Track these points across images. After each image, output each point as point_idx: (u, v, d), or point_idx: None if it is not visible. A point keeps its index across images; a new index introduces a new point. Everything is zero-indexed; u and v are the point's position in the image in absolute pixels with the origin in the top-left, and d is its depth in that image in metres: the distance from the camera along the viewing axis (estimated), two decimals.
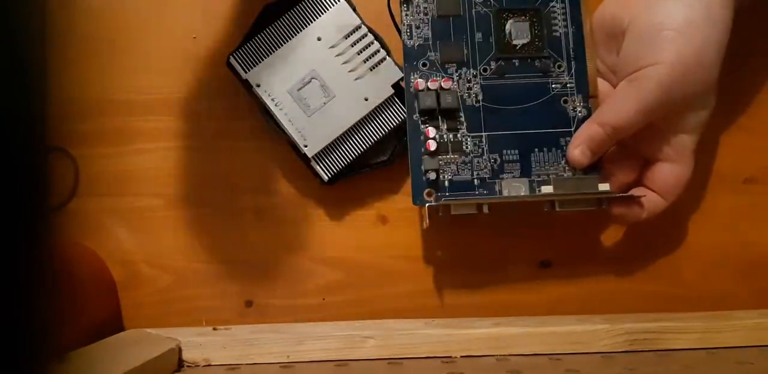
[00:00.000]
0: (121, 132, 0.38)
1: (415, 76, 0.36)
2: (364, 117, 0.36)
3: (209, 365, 0.32)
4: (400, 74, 0.36)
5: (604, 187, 0.35)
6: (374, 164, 0.38)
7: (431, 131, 0.35)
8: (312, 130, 0.36)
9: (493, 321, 0.34)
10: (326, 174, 0.37)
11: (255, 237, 0.38)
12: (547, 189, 0.35)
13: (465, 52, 0.36)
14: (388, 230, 0.39)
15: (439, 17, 0.36)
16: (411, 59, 0.36)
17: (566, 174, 0.36)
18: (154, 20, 0.39)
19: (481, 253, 0.38)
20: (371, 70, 0.36)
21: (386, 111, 0.36)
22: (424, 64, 0.36)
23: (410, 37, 0.36)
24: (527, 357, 0.32)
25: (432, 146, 0.35)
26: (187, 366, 0.32)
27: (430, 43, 0.36)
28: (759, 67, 0.39)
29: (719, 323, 0.33)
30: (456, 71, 0.36)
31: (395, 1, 0.37)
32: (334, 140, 0.36)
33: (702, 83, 0.32)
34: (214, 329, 0.34)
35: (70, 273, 0.31)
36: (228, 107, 0.39)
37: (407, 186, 0.38)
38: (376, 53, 0.36)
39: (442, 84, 0.35)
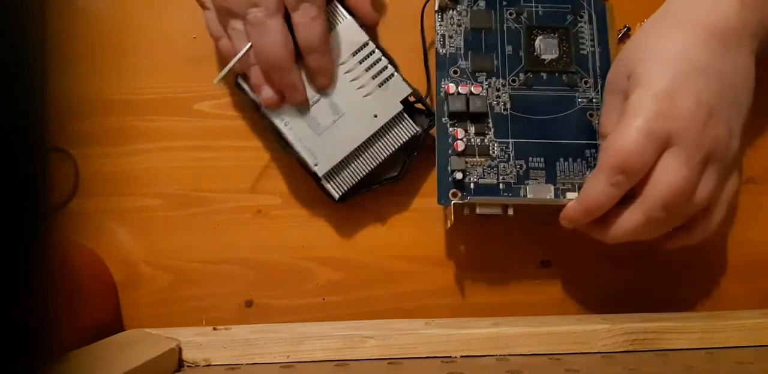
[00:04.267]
0: (121, 132, 0.38)
1: (446, 81, 0.37)
2: (374, 134, 0.36)
3: (209, 365, 0.32)
4: (409, 90, 0.36)
5: None
6: (384, 179, 0.37)
7: (460, 132, 0.37)
8: (322, 148, 0.36)
9: (493, 321, 0.34)
10: (337, 192, 0.36)
11: (255, 237, 0.38)
12: (572, 195, 0.36)
13: (495, 63, 0.38)
14: (388, 230, 0.39)
15: (471, 29, 0.38)
16: (442, 66, 0.38)
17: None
18: (154, 20, 0.39)
19: (481, 253, 0.38)
20: (380, 86, 0.36)
21: (396, 127, 0.36)
22: (455, 72, 0.38)
23: (443, 46, 0.38)
24: (527, 357, 0.32)
25: (460, 146, 0.36)
26: (187, 366, 0.32)
27: (462, 52, 0.38)
28: (759, 67, 0.39)
29: (719, 323, 0.33)
30: (486, 80, 0.38)
31: (429, 13, 0.38)
32: (345, 158, 0.36)
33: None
34: (214, 329, 0.34)
35: (70, 273, 0.31)
36: (228, 107, 0.39)
37: (408, 187, 0.39)
38: (384, 70, 0.36)
39: (472, 89, 0.37)
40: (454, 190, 0.36)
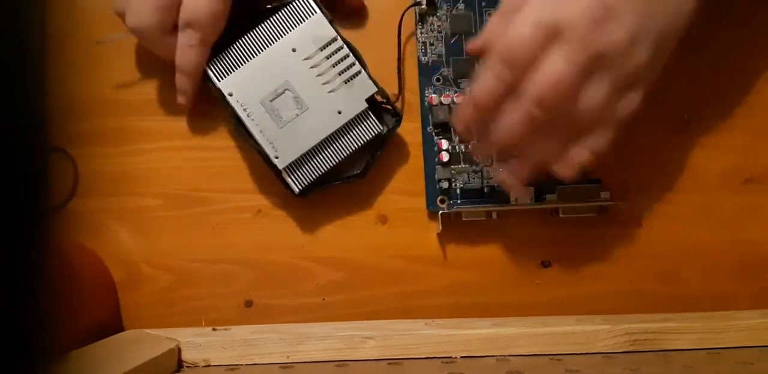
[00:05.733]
0: (120, 132, 0.38)
1: (430, 91, 0.38)
2: (337, 130, 0.36)
3: (209, 365, 0.32)
4: (375, 88, 0.36)
5: (605, 195, 0.37)
6: (347, 177, 0.37)
7: (444, 143, 0.38)
8: (284, 141, 0.35)
9: (493, 321, 0.34)
10: (297, 187, 0.36)
11: (255, 237, 0.38)
12: (551, 198, 0.37)
13: (476, 67, 0.38)
14: (388, 230, 0.38)
15: (452, 35, 0.38)
16: (426, 74, 0.38)
17: (569, 184, 0.37)
18: None
19: (481, 253, 0.38)
20: (346, 83, 0.36)
21: (360, 125, 0.36)
22: (437, 80, 0.38)
23: (425, 54, 0.38)
24: (527, 357, 0.32)
25: (445, 157, 0.37)
26: (187, 367, 0.32)
27: (444, 59, 0.38)
28: (758, 67, 0.39)
29: (719, 323, 0.33)
30: (468, 86, 0.38)
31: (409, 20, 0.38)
32: (306, 153, 0.36)
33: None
34: (214, 329, 0.34)
35: (70, 273, 0.31)
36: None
37: (408, 187, 0.38)
38: (351, 67, 0.36)
39: (454, 99, 0.37)
40: (442, 197, 0.38)
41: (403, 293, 0.38)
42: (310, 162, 0.36)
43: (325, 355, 0.32)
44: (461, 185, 0.38)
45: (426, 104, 0.38)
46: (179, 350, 0.32)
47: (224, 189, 0.38)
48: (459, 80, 0.38)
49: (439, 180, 0.38)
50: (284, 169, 0.36)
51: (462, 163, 0.38)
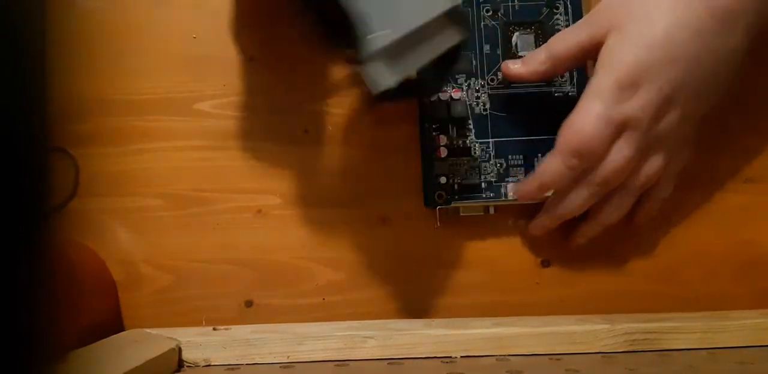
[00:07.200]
0: (120, 132, 0.38)
1: None
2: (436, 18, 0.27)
3: (209, 365, 0.32)
4: None
5: None
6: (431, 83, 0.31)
7: (442, 139, 0.38)
8: (382, 12, 0.26)
9: (493, 321, 0.34)
10: (390, 78, 0.27)
11: (255, 237, 0.38)
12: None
13: (474, 63, 0.38)
14: (388, 230, 0.38)
15: None
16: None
17: None
18: (154, 20, 0.39)
19: (481, 253, 0.38)
20: None
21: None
22: None
23: None
24: (527, 357, 0.32)
25: (443, 153, 0.37)
26: (187, 366, 0.32)
27: None
28: (759, 67, 0.39)
29: (719, 323, 0.33)
30: (465, 81, 0.38)
31: None
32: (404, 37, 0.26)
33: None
34: (214, 329, 0.34)
35: (70, 273, 0.31)
36: (228, 107, 0.39)
37: (408, 186, 0.38)
38: None
39: (452, 95, 0.37)
40: (440, 192, 0.38)
41: (403, 293, 0.38)
42: (404, 53, 0.27)
43: (325, 355, 0.32)
44: (459, 181, 0.38)
45: (424, 99, 0.38)
46: (180, 350, 0.32)
47: (224, 189, 0.38)
48: (456, 76, 0.38)
49: (437, 176, 0.38)
50: (376, 52, 0.26)
51: (460, 158, 0.38)
